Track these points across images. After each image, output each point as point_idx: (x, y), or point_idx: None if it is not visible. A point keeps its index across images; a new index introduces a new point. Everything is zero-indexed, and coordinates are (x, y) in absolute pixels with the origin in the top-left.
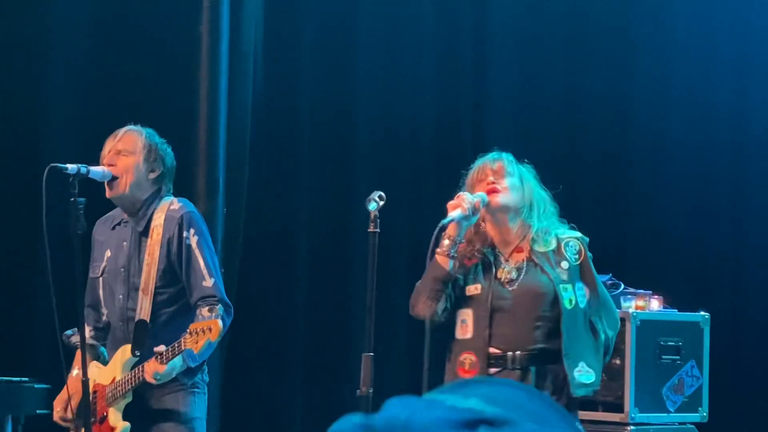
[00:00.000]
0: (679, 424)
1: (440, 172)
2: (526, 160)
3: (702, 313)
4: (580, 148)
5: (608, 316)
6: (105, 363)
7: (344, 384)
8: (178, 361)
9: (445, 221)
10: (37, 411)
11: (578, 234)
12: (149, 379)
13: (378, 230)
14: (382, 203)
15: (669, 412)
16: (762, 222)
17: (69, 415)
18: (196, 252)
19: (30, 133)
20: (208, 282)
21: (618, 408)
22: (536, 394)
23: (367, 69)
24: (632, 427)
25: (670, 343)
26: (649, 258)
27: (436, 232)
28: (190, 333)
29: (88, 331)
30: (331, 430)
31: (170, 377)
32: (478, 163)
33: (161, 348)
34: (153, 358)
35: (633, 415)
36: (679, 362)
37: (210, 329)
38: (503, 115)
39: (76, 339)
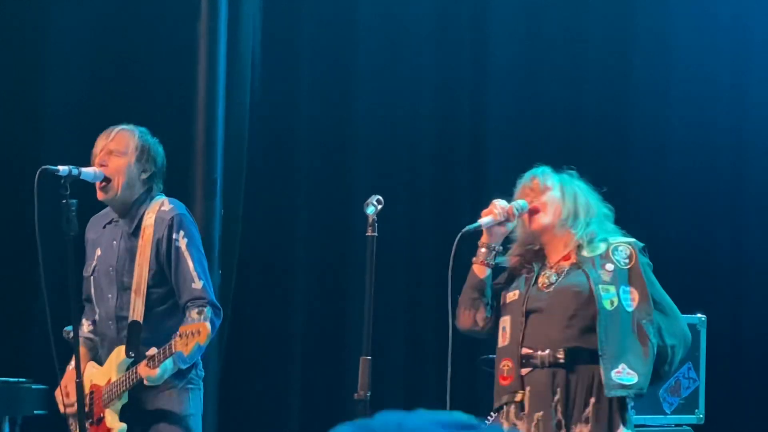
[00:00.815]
0: (676, 425)
1: (439, 177)
2: (566, 166)
3: (699, 315)
4: (579, 150)
5: (668, 323)
6: (101, 359)
7: (342, 387)
8: (169, 364)
9: (470, 227)
10: (35, 411)
11: (632, 239)
12: (145, 381)
13: (376, 234)
14: (380, 207)
15: (665, 413)
16: (759, 224)
17: (68, 401)
18: (185, 254)
19: (27, 134)
20: (197, 284)
21: None
22: None
23: (366, 72)
24: None
25: None
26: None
27: (457, 238)
28: (180, 335)
29: (87, 325)
30: None
31: (162, 380)
32: (518, 186)
33: (153, 351)
34: (144, 362)
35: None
36: None
37: (199, 332)
38: (502, 119)
39: (73, 336)
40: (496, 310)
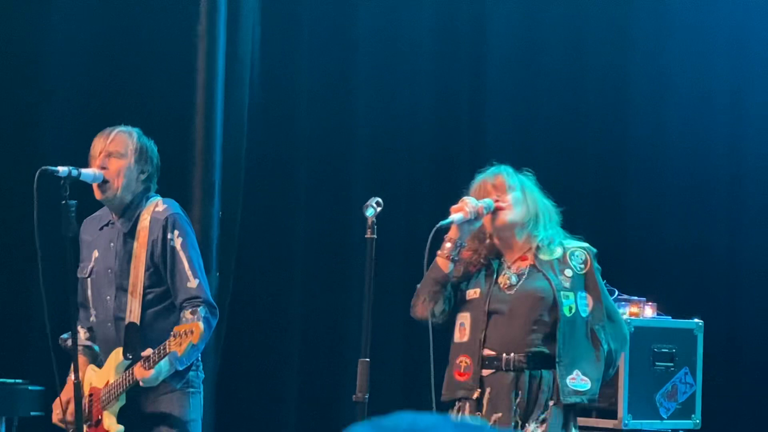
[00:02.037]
0: (672, 430)
1: (437, 178)
2: (525, 169)
3: (696, 320)
4: (577, 156)
5: (613, 328)
6: (101, 363)
7: (340, 389)
8: (164, 365)
9: (443, 223)
10: (31, 413)
11: (585, 244)
12: (141, 382)
13: (375, 236)
14: (379, 209)
15: (662, 418)
16: (756, 229)
17: (68, 417)
18: (181, 253)
19: (26, 136)
20: (193, 283)
21: (611, 414)
22: None
23: (365, 74)
24: None
25: (663, 350)
26: (644, 265)
27: (432, 233)
28: (174, 335)
29: (83, 333)
30: None
31: (157, 381)
32: (478, 180)
33: (148, 352)
34: (139, 363)
35: (626, 422)
36: (672, 369)
37: (192, 332)
38: (500, 123)
39: (70, 343)
40: (454, 304)
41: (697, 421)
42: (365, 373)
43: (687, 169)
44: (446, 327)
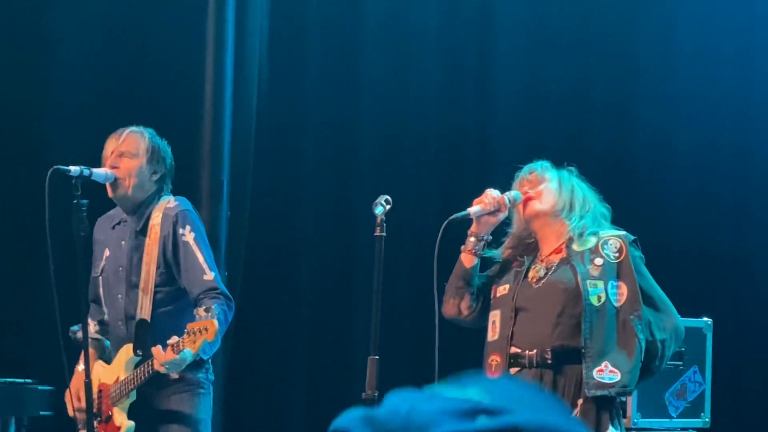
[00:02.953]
0: (682, 429)
1: (445, 176)
2: (566, 163)
3: (705, 319)
4: (584, 154)
5: (659, 318)
6: (109, 358)
7: (349, 387)
8: (188, 353)
9: (457, 215)
10: (41, 412)
11: (622, 232)
12: (159, 368)
13: (384, 234)
14: (388, 207)
15: (671, 417)
16: (765, 227)
17: (81, 404)
18: (193, 247)
19: (35, 136)
20: (209, 275)
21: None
22: (537, 389)
23: (372, 73)
24: None
25: None
26: (652, 263)
27: (444, 226)
28: (188, 333)
29: (93, 326)
30: (334, 425)
31: (180, 368)
32: (516, 178)
33: (174, 339)
34: (161, 348)
35: (635, 420)
36: (681, 368)
37: (206, 329)
38: (508, 120)
39: (81, 335)
40: (487, 302)
41: (707, 419)
42: (374, 370)
43: (695, 166)
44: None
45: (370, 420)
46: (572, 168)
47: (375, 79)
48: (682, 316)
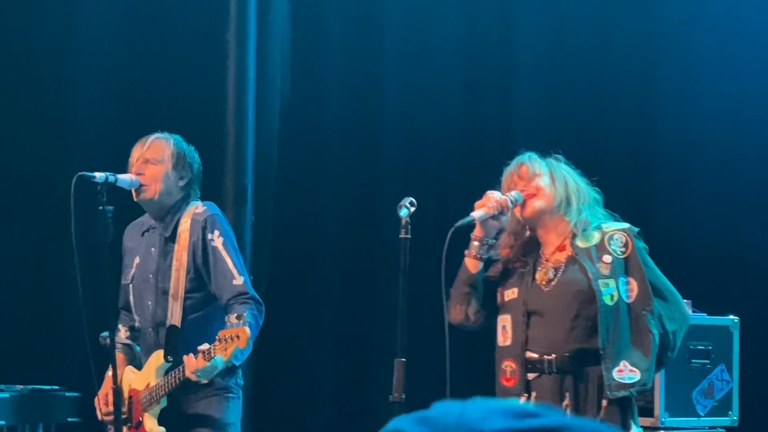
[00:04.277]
0: (710, 428)
1: (469, 176)
2: (552, 152)
3: (731, 316)
4: (607, 150)
5: (668, 308)
6: (140, 364)
7: (376, 390)
8: (219, 360)
9: (462, 221)
10: (68, 419)
11: (626, 225)
12: (189, 375)
13: (409, 236)
14: (413, 209)
15: (699, 416)
16: None
17: (108, 408)
18: (222, 252)
19: (59, 142)
20: (239, 280)
21: (648, 412)
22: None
23: (394, 75)
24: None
25: (699, 347)
26: (678, 262)
27: (450, 232)
28: (219, 340)
29: (123, 332)
30: (386, 429)
31: (212, 374)
32: (505, 173)
33: (204, 346)
34: (193, 355)
35: (663, 420)
36: (708, 366)
37: (238, 336)
38: (530, 118)
39: (110, 341)
40: (493, 306)
41: (735, 418)
42: (401, 373)
43: (720, 162)
44: (489, 330)
45: (423, 420)
46: (559, 156)
47: (397, 81)
48: (708, 314)
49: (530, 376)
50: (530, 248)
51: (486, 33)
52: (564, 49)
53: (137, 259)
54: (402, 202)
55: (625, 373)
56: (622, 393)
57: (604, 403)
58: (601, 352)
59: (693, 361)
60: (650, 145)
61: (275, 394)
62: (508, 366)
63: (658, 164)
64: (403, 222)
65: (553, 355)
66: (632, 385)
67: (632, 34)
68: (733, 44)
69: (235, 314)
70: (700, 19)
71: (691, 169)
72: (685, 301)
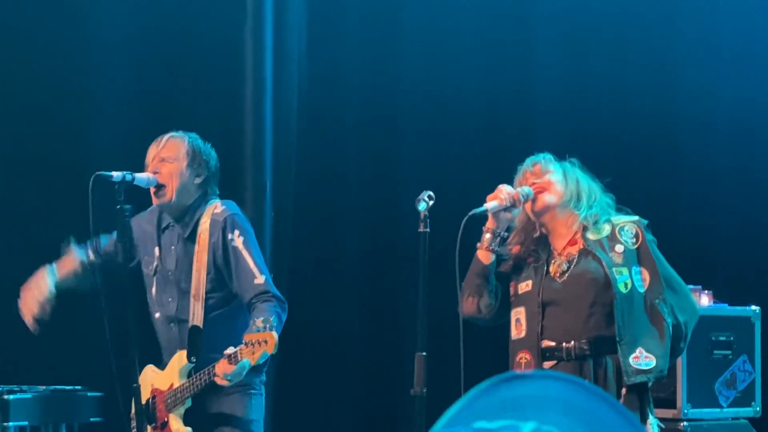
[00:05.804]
0: (732, 419)
1: (489, 172)
2: (568, 156)
3: (753, 307)
4: (627, 140)
5: (678, 299)
6: (163, 364)
7: (397, 384)
8: (246, 363)
9: (476, 211)
10: (91, 419)
11: (635, 217)
12: (221, 382)
13: (428, 230)
14: (431, 203)
15: (722, 407)
16: None
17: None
18: (243, 252)
19: (76, 141)
20: (260, 279)
21: (671, 404)
22: (591, 391)
23: (412, 71)
24: (685, 423)
25: (721, 338)
26: (699, 253)
27: (464, 222)
28: (246, 344)
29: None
30: None
31: (241, 377)
32: (519, 171)
33: (230, 350)
34: (223, 360)
35: (686, 411)
36: (730, 357)
37: (266, 342)
38: (550, 113)
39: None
40: (506, 300)
41: (758, 408)
42: (422, 367)
43: (741, 154)
44: (505, 325)
45: None
46: (574, 160)
47: (415, 77)
48: (729, 305)
49: (547, 364)
50: (542, 244)
51: (505, 28)
52: (583, 33)
53: (157, 252)
54: (420, 196)
55: (641, 359)
56: (640, 378)
57: (624, 390)
58: (618, 339)
59: (715, 352)
60: (671, 136)
61: (297, 390)
62: (523, 358)
63: (679, 156)
64: (422, 216)
65: (572, 342)
66: (649, 370)
67: (651, 31)
68: (753, 36)
69: (261, 318)
70: (718, 9)
71: (712, 161)
72: (706, 292)
